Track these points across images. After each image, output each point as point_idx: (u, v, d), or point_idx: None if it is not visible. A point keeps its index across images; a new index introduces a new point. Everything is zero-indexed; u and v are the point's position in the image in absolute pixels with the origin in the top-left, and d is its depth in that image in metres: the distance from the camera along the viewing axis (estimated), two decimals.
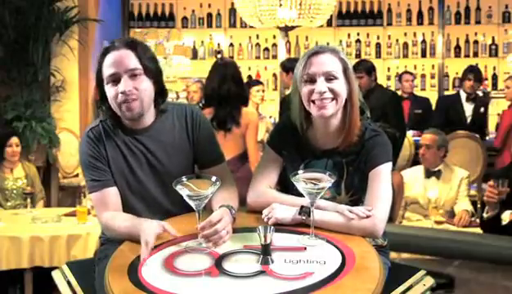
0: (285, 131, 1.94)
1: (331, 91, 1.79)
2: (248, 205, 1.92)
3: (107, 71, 1.83)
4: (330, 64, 1.80)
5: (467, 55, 7.03)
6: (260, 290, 1.35)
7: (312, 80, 1.80)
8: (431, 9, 7.09)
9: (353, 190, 1.84)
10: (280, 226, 1.70)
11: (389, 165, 1.82)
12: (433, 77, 7.15)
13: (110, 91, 1.84)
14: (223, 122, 3.24)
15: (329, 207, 1.75)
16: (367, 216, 1.69)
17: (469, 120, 5.41)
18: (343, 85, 1.81)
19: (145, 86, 1.85)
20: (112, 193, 1.88)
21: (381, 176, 1.79)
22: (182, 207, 1.63)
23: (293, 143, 1.91)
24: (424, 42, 7.16)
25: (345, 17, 7.20)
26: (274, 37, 7.21)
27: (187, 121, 1.98)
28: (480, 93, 5.92)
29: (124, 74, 1.81)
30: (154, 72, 1.88)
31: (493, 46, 7.01)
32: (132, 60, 1.82)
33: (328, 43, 6.86)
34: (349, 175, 1.84)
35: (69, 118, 5.71)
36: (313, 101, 1.80)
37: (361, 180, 1.82)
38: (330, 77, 1.79)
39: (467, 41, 7.07)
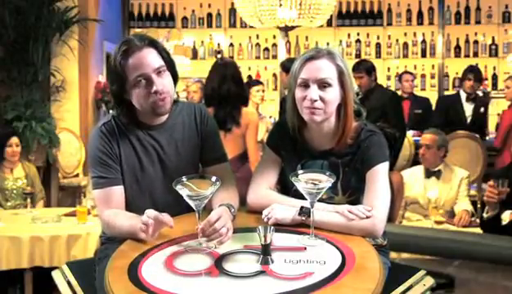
0: (283, 131, 1.94)
1: (322, 100, 1.78)
2: (248, 206, 1.92)
3: (134, 73, 1.82)
4: (325, 71, 1.79)
5: (467, 55, 7.04)
6: (260, 290, 1.35)
7: (305, 85, 1.80)
8: (431, 9, 7.09)
9: (350, 191, 1.85)
10: (280, 226, 1.70)
11: (386, 164, 1.82)
12: (433, 77, 7.16)
13: (139, 92, 1.84)
14: (223, 122, 3.24)
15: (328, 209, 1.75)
16: (367, 217, 1.70)
17: (469, 120, 5.41)
18: (336, 92, 1.81)
19: (170, 80, 1.89)
20: (117, 193, 1.88)
21: (378, 176, 1.79)
22: (185, 206, 1.63)
23: (290, 143, 1.92)
24: (424, 42, 7.16)
25: (345, 17, 7.20)
26: (274, 37, 7.21)
27: (196, 118, 2.02)
28: (480, 93, 5.92)
29: (153, 73, 1.83)
30: (172, 65, 1.91)
31: (493, 46, 7.01)
32: (156, 58, 1.84)
33: (328, 43, 6.86)
34: (345, 175, 1.84)
35: (69, 118, 5.71)
36: (306, 107, 1.80)
37: (357, 181, 1.83)
38: (323, 85, 1.79)
39: (467, 41, 7.07)
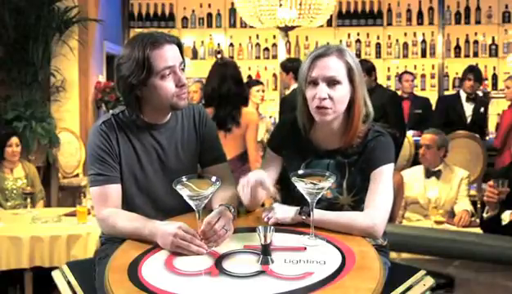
0: (286, 131, 1.94)
1: (331, 98, 1.77)
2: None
3: (163, 64, 1.82)
4: (334, 69, 1.78)
5: (467, 55, 7.04)
6: (260, 290, 1.35)
7: (314, 83, 1.80)
8: (431, 9, 7.10)
9: (355, 190, 1.84)
10: (280, 226, 1.70)
11: (391, 166, 1.82)
12: (433, 77, 7.16)
13: (164, 83, 1.84)
14: (223, 122, 3.24)
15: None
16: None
17: (469, 120, 5.41)
18: (345, 89, 1.80)
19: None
20: (114, 190, 1.87)
21: (382, 177, 1.79)
22: (184, 206, 1.63)
23: (293, 143, 1.92)
24: (424, 42, 7.16)
25: (345, 17, 7.21)
26: (274, 37, 7.21)
27: (195, 119, 2.02)
28: (480, 93, 5.92)
29: (178, 67, 1.86)
30: (184, 65, 1.95)
31: (493, 46, 7.02)
32: (179, 54, 1.88)
33: (328, 43, 6.85)
34: (351, 175, 1.84)
35: (69, 117, 5.72)
36: (316, 106, 1.79)
37: (363, 181, 1.82)
38: (332, 83, 1.78)
39: (467, 41, 7.08)
